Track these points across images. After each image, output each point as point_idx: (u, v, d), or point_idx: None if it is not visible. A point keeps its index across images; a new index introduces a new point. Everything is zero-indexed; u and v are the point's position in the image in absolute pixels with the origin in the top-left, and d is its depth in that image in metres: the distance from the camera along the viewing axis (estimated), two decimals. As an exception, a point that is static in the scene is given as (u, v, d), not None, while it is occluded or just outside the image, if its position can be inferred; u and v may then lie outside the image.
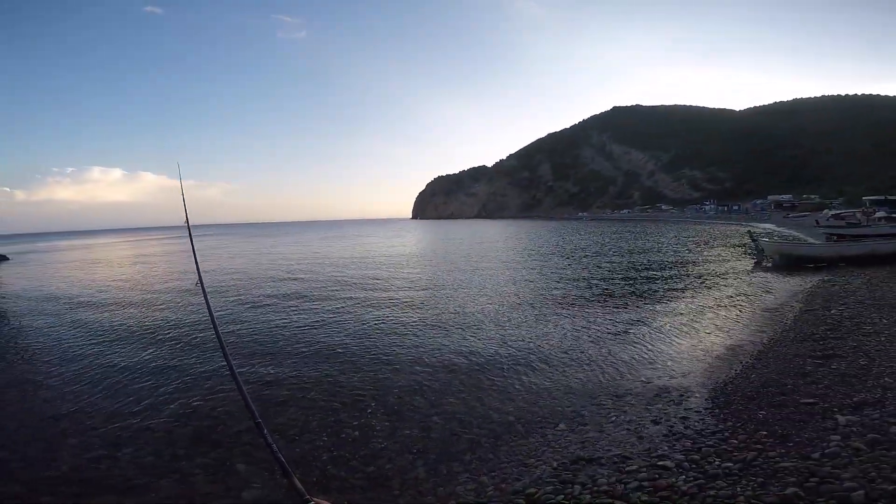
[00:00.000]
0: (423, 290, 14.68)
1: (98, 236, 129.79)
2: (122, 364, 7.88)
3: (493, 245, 36.10)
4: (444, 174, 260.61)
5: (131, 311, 13.01)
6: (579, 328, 9.29)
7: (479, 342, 8.50)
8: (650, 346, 7.86)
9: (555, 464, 4.16)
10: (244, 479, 4.15)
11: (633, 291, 13.42)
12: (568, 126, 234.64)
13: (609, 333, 8.80)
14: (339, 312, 11.51)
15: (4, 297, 16.85)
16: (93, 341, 9.61)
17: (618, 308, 11.10)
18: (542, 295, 13.23)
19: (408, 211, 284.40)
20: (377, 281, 16.98)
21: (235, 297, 14.13)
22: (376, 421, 5.31)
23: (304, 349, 8.39)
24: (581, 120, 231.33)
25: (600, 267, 19.37)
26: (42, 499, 3.88)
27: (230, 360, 1.83)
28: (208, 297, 2.22)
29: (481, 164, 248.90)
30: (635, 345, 7.99)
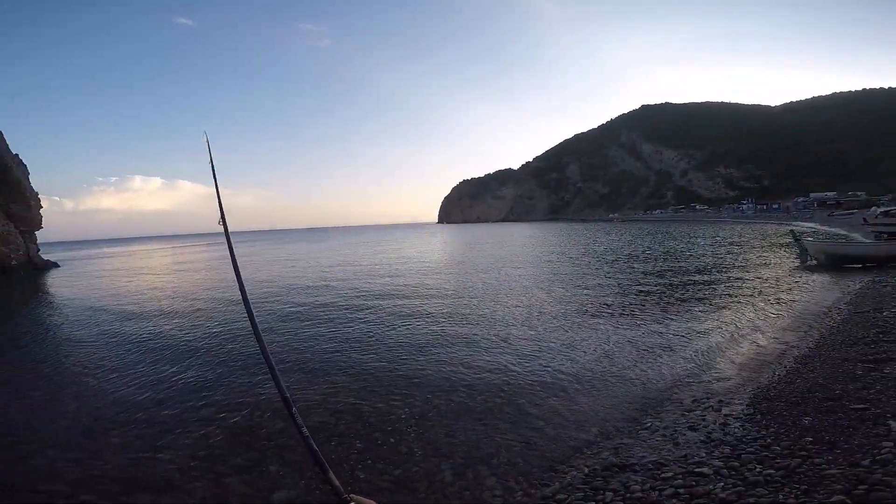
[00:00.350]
0: (453, 295, 14.60)
1: (139, 243, 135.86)
2: (164, 367, 8.19)
3: (522, 249, 35.69)
4: (470, 177, 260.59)
5: (173, 316, 13.51)
6: (612, 332, 9.06)
7: (508, 346, 8.40)
8: (688, 351, 7.59)
9: (586, 470, 4.06)
10: (275, 480, 4.22)
11: (669, 294, 13.00)
12: (595, 126, 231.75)
13: (644, 337, 8.54)
14: (369, 318, 11.60)
15: (57, 303, 17.83)
16: (137, 345, 10.04)
17: (653, 311, 10.77)
18: (572, 298, 12.97)
19: (434, 215, 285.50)
20: (407, 287, 17.02)
21: (270, 304, 14.46)
22: (403, 424, 5.31)
23: (335, 353, 8.50)
24: (609, 120, 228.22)
25: (633, 269, 18.86)
26: (85, 496, 4.05)
27: (272, 365, 1.84)
28: (249, 302, 2.26)
29: (507, 167, 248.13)
30: (672, 349, 7.74)
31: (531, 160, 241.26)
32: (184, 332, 11.03)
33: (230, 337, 10.27)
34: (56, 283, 26.49)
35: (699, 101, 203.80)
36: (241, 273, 2.25)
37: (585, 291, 13.86)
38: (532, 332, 9.22)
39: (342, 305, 13.44)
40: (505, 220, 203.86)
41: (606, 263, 21.42)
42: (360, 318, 11.49)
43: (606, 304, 11.77)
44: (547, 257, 26.68)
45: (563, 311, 11.25)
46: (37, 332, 12.68)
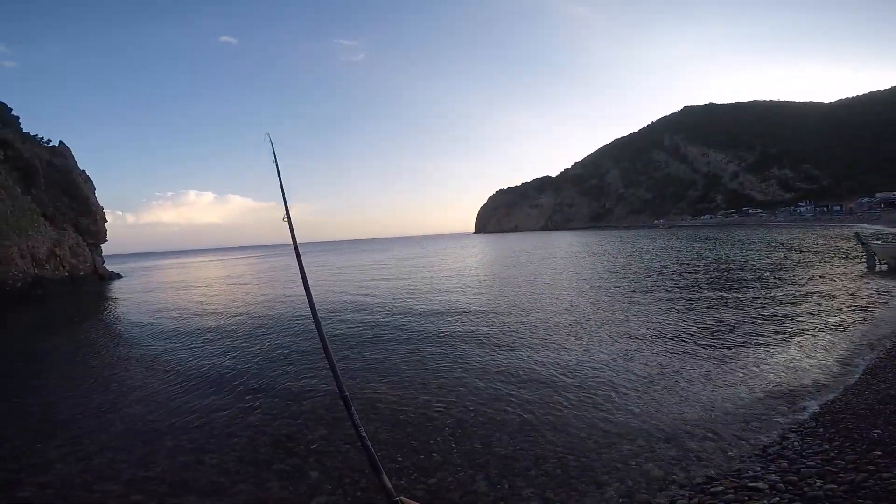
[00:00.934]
0: (496, 306, 14.34)
1: (194, 255, 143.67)
2: (218, 373, 8.58)
3: (564, 259, 34.94)
4: (507, 187, 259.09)
5: (229, 324, 14.17)
6: (661, 340, 8.69)
7: (551, 355, 8.21)
8: (743, 361, 7.15)
9: (630, 482, 3.89)
10: (315, 487, 4.29)
11: (723, 300, 12.34)
12: (636, 130, 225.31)
13: (696, 345, 8.15)
14: (413, 326, 11.60)
15: (120, 311, 19.11)
16: (193, 351, 10.58)
17: (706, 318, 10.28)
18: (619, 310, 12.47)
19: (470, 225, 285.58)
20: (452, 297, 16.99)
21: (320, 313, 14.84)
22: (439, 433, 5.28)
23: (379, 360, 8.60)
24: (649, 123, 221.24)
25: (684, 277, 17.97)
26: (136, 497, 4.24)
27: (335, 367, 1.88)
28: (315, 306, 2.35)
29: (545, 175, 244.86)
30: (726, 359, 7.32)
31: (570, 167, 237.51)
32: (238, 340, 11.51)
33: (283, 342, 10.71)
34: (119, 292, 28.28)
35: (746, 100, 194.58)
36: (305, 277, 2.36)
37: (634, 302, 13.30)
38: (577, 344, 8.95)
39: (386, 314, 13.58)
40: (544, 228, 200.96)
41: (654, 272, 20.38)
42: (405, 327, 11.56)
43: (656, 314, 11.28)
44: (591, 267, 25.85)
45: (609, 322, 10.82)
46: (102, 338, 13.58)
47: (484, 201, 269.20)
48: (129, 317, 17.17)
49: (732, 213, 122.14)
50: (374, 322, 12.45)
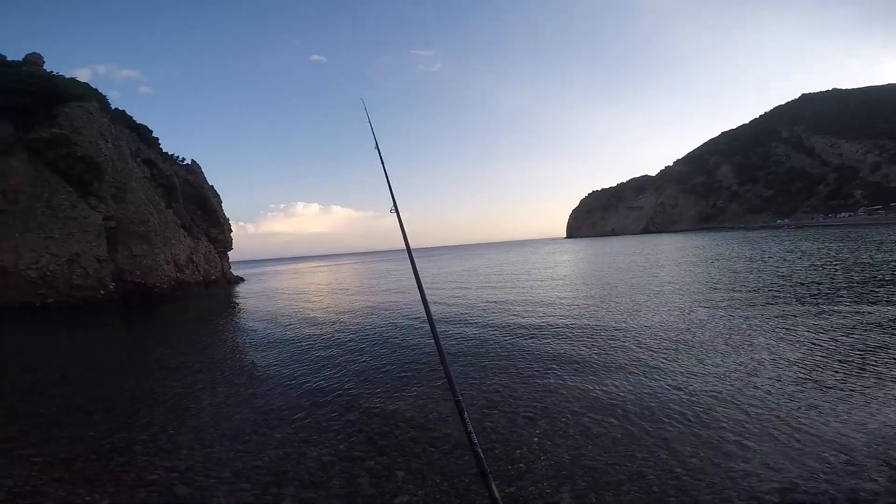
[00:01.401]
0: (596, 314, 13.52)
1: (304, 261, 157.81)
2: (324, 368, 9.42)
3: (672, 265, 32.24)
4: (600, 188, 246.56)
5: (338, 323, 15.50)
6: (792, 363, 7.50)
7: (659, 368, 7.63)
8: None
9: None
10: (399, 486, 4.44)
11: (879, 314, 10.36)
12: (747, 121, 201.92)
13: (834, 373, 7.00)
14: (519, 333, 11.44)
15: (246, 310, 21.78)
16: (308, 348, 11.67)
17: (853, 339, 8.69)
18: (739, 320, 11.07)
19: (561, 230, 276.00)
20: (547, 307, 16.68)
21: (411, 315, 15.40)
22: (524, 442, 5.20)
23: (469, 367, 8.64)
24: (762, 114, 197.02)
25: (820, 285, 15.39)
26: (243, 485, 4.69)
27: (449, 371, 1.92)
28: (429, 307, 2.46)
29: (643, 174, 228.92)
30: (884, 379, 6.26)
31: (671, 164, 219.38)
32: (344, 340, 12.40)
33: (392, 344, 11.36)
34: (243, 294, 32.26)
35: (879, 83, 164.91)
36: (419, 279, 2.48)
37: (757, 316, 11.53)
38: (689, 357, 8.21)
39: (482, 324, 13.50)
40: (644, 231, 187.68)
41: (784, 280, 17.59)
42: (502, 334, 11.49)
43: (786, 330, 9.74)
44: (704, 273, 23.43)
45: (728, 335, 9.65)
46: (229, 333, 15.62)
47: (575, 204, 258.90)
48: (251, 315, 19.55)
49: (878, 209, 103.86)
50: (474, 332, 12.30)
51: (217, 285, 38.56)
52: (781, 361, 7.51)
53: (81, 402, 7.80)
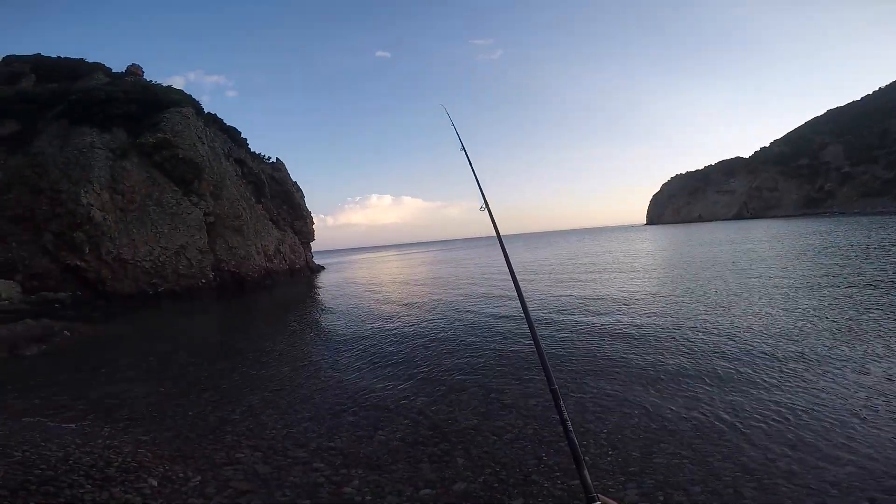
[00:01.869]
0: (694, 307, 12.56)
1: (378, 251, 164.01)
2: (398, 353, 10.04)
3: (775, 256, 29.13)
4: (685, 171, 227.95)
5: (415, 309, 16.27)
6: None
7: (752, 374, 7.10)
8: None
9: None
10: (458, 473, 4.64)
11: None
12: (858, 98, 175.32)
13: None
14: (598, 326, 11.16)
15: (329, 297, 23.61)
16: (387, 333, 12.43)
17: None
18: (856, 313, 10.00)
19: (640, 216, 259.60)
20: (638, 301, 15.92)
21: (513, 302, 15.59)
22: (593, 437, 5.20)
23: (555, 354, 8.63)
24: (877, 88, 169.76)
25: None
26: (317, 464, 5.07)
27: (544, 359, 2.04)
28: (523, 296, 2.61)
29: (734, 156, 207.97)
30: None
31: (768, 145, 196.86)
32: (424, 328, 12.90)
33: (457, 332, 11.72)
34: (325, 282, 34.97)
35: None
36: (511, 265, 2.67)
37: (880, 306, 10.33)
38: (784, 359, 7.56)
39: (571, 317, 13.07)
40: (737, 217, 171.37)
41: None
42: (590, 326, 11.24)
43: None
44: (813, 264, 21.17)
45: (842, 332, 8.72)
46: (314, 318, 17.09)
47: (655, 189, 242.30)
48: (333, 301, 21.31)
49: None
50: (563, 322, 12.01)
51: (301, 274, 41.47)
52: None
53: (185, 385, 8.71)
